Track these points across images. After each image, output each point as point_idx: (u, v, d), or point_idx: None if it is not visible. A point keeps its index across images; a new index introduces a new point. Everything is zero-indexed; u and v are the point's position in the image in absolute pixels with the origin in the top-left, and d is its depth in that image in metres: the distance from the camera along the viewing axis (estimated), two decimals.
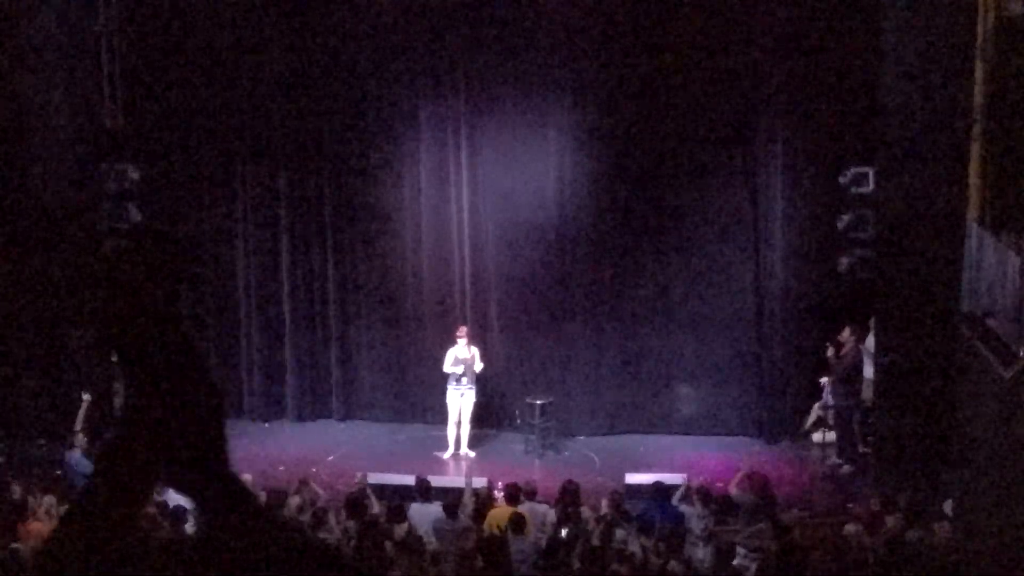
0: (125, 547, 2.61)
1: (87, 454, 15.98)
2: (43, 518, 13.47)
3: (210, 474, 2.65)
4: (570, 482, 14.57)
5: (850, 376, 17.77)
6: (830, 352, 17.93)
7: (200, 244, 20.30)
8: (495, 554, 12.12)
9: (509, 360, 19.80)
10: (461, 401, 18.60)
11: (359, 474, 15.83)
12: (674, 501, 14.48)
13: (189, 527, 13.36)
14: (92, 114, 19.22)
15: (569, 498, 14.12)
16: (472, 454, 18.83)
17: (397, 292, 20.26)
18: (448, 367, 18.56)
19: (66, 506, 13.74)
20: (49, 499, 14.15)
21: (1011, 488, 9.30)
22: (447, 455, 18.67)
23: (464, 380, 18.56)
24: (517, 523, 12.82)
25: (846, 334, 17.84)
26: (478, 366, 18.69)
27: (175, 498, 14.35)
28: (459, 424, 18.70)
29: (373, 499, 14.56)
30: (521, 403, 19.08)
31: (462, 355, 18.53)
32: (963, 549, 11.86)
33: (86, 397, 16.93)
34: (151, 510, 13.61)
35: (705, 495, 14.32)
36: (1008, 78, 10.02)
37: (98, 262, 2.70)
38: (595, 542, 12.61)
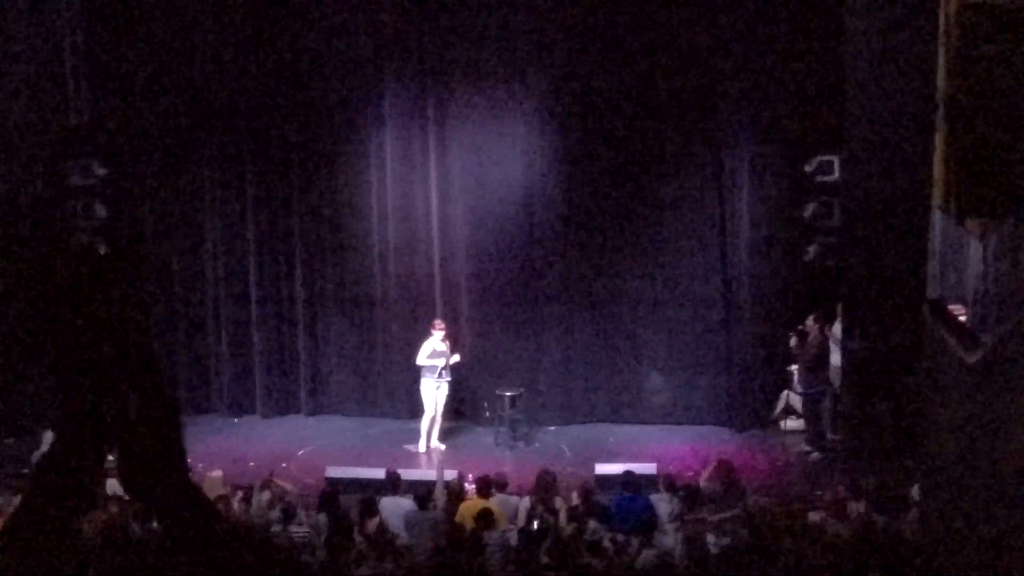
0: (64, 550, 2.62)
1: None
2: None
3: (167, 481, 2.66)
4: (546, 471, 14.59)
5: (816, 363, 17.82)
6: (793, 341, 17.99)
7: (167, 263, 20.29)
8: (467, 547, 12.13)
9: (478, 352, 19.81)
10: (437, 394, 18.61)
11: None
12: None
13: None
14: (57, 110, 19.15)
15: (544, 487, 14.13)
16: (443, 447, 18.83)
17: (365, 287, 20.25)
18: (425, 360, 18.53)
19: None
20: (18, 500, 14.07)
21: (976, 473, 9.35)
22: (418, 448, 18.66)
23: (443, 373, 18.57)
24: (485, 518, 12.82)
25: (810, 322, 17.90)
26: (453, 358, 18.70)
27: None
28: (434, 419, 18.70)
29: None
30: (491, 395, 19.11)
31: (439, 348, 18.52)
32: (930, 534, 11.93)
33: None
34: (120, 509, 13.58)
35: (671, 483, 14.35)
36: (970, 64, 10.05)
37: (52, 274, 2.73)
38: (565, 534, 12.62)
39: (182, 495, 2.71)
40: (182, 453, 2.73)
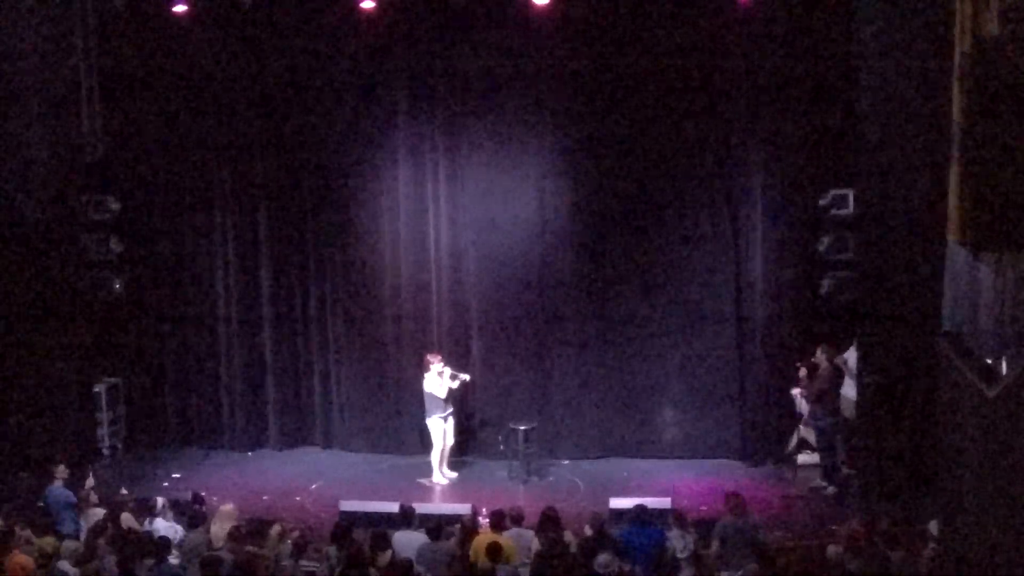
0: None
1: (68, 485, 15.92)
2: (26, 550, 13.38)
3: None
4: (550, 508, 14.51)
5: (825, 394, 17.74)
6: (802, 373, 17.92)
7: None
8: None
9: (491, 386, 19.76)
10: (446, 426, 18.60)
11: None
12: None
13: (173, 559, 13.31)
14: (72, 145, 19.20)
15: (549, 525, 14.06)
16: (455, 475, 18.83)
17: (377, 321, 20.21)
18: (443, 393, 18.49)
19: (46, 537, 13.71)
20: (27, 533, 14.06)
21: (995, 507, 9.30)
22: (432, 481, 18.65)
23: (448, 405, 18.57)
24: (493, 552, 12.77)
25: (819, 353, 17.85)
26: (463, 377, 18.80)
27: (159, 529, 14.31)
28: (444, 450, 18.69)
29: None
30: (504, 429, 19.05)
31: (442, 381, 18.50)
32: (948, 569, 11.85)
33: (90, 484, 16.73)
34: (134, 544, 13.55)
35: (682, 519, 14.27)
36: (985, 98, 10.06)
37: None
38: (575, 565, 12.55)
39: None
40: None
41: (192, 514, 15.09)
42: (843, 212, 17.88)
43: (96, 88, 19.75)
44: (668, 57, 18.77)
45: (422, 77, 19.53)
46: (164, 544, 13.29)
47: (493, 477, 19.05)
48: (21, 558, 12.99)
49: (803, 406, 18.41)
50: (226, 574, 12.51)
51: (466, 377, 18.90)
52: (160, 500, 15.29)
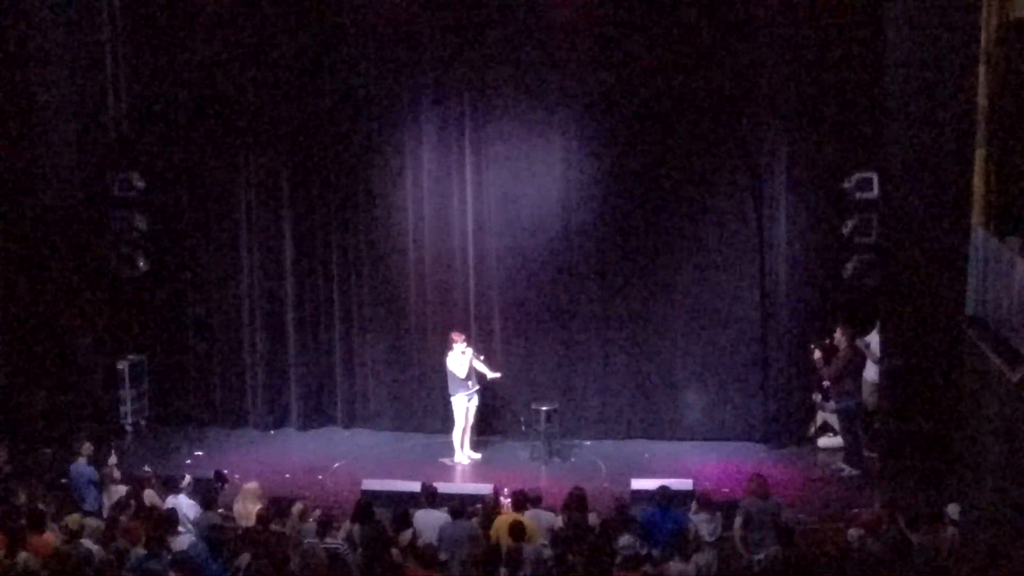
0: None
1: (92, 462, 15.98)
2: (52, 528, 13.42)
3: None
4: (577, 488, 14.52)
5: (844, 375, 17.70)
6: (817, 355, 17.83)
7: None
8: (505, 561, 12.10)
9: (514, 367, 19.73)
10: (468, 405, 18.63)
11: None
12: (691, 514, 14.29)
13: (189, 536, 13.34)
14: (98, 123, 19.25)
15: (576, 504, 14.08)
16: (478, 455, 18.87)
17: (400, 301, 20.22)
18: (463, 372, 18.52)
19: (73, 515, 13.74)
20: (52, 510, 14.13)
21: (1016, 490, 9.30)
22: (454, 461, 18.68)
23: (471, 384, 18.59)
24: (517, 531, 12.79)
25: (838, 335, 17.80)
26: (493, 375, 18.85)
27: (182, 506, 14.37)
28: (465, 430, 18.73)
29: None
30: (527, 409, 19.07)
31: (464, 360, 18.52)
32: (968, 552, 11.86)
33: (113, 461, 16.74)
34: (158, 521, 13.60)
35: (705, 501, 14.27)
36: (1012, 81, 10.03)
37: None
38: (598, 546, 12.57)
39: None
40: None
41: (209, 491, 15.14)
42: (867, 195, 17.83)
43: (122, 65, 19.82)
44: (693, 41, 18.70)
45: (449, 58, 19.49)
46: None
47: (515, 457, 19.06)
48: (45, 535, 13.04)
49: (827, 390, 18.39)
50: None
51: (494, 375, 18.98)
52: (187, 477, 15.34)
